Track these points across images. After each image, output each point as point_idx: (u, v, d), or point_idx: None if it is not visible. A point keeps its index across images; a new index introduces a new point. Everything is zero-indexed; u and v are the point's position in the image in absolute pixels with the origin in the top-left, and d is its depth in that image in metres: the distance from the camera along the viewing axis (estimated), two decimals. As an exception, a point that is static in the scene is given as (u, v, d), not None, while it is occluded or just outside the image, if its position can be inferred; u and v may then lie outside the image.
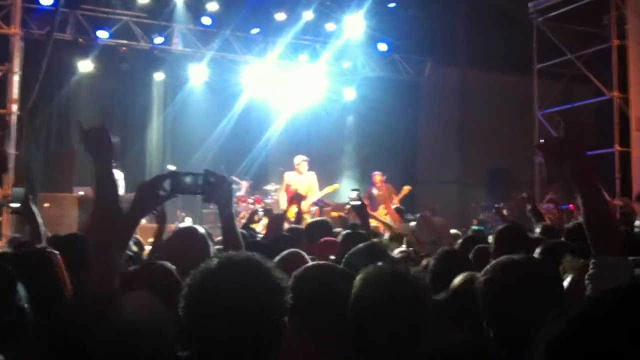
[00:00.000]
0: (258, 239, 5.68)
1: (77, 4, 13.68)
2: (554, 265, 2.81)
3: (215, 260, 1.80)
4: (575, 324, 0.86)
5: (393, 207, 9.50)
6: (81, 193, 12.81)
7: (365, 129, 16.66)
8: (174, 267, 2.68)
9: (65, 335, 2.08)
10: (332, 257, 3.91)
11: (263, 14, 15.21)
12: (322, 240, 4.73)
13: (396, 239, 6.19)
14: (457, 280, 2.81)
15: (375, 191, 13.10)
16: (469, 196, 16.15)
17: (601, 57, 14.15)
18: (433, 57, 17.19)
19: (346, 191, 15.38)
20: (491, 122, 16.90)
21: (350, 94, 16.71)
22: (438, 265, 3.69)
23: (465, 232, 8.22)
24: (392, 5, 15.83)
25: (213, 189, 2.67)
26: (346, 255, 3.37)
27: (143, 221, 12.00)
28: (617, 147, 13.33)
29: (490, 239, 4.65)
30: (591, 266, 2.22)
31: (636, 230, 6.80)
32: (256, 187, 14.42)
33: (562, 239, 4.66)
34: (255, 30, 15.55)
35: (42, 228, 4.37)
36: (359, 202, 5.17)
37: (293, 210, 7.88)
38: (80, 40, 13.96)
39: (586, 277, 2.22)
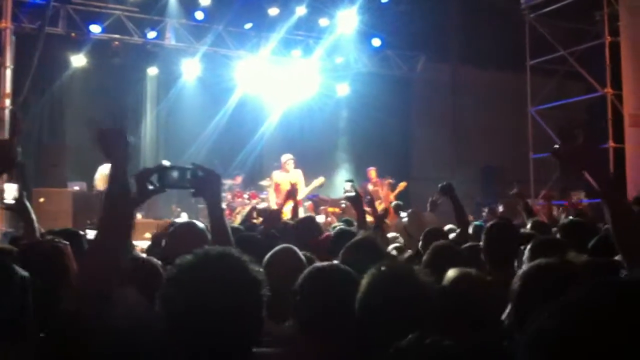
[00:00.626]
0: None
1: (68, -2, 13.62)
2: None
3: (191, 255, 1.79)
4: (568, 321, 0.85)
5: (392, 203, 9.50)
6: (76, 188, 12.78)
7: (358, 124, 16.65)
8: (159, 262, 2.66)
9: (63, 338, 2.08)
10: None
11: (256, 9, 15.17)
12: (323, 237, 4.74)
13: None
14: (450, 276, 2.76)
15: (370, 187, 13.12)
16: (463, 192, 16.16)
17: (594, 53, 14.19)
18: (426, 52, 17.20)
19: (339, 186, 15.44)
20: (484, 118, 16.95)
21: (343, 90, 16.71)
22: (432, 259, 3.70)
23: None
24: (385, 0, 15.82)
25: (202, 183, 2.64)
26: (341, 253, 3.37)
27: (138, 216, 12.00)
28: (611, 144, 13.37)
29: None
30: None
31: None
32: (251, 183, 14.41)
33: (557, 235, 4.69)
34: (248, 26, 15.51)
35: (36, 224, 4.34)
36: (353, 193, 5.13)
37: (289, 206, 7.86)
38: (73, 34, 13.89)
39: None
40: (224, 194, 13.37)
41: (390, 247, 5.45)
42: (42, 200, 10.83)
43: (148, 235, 8.86)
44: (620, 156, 13.18)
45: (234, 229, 5.19)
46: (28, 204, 4.43)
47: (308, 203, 12.26)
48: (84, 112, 14.74)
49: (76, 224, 10.31)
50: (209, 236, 3.06)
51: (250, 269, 1.78)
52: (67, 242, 2.96)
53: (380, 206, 12.18)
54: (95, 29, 13.94)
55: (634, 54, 13.18)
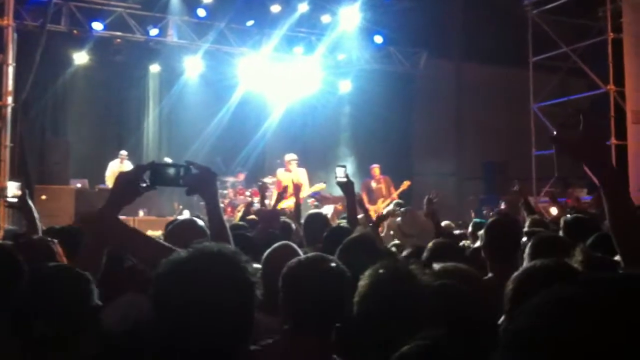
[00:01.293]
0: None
1: (71, -5, 13.63)
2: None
3: (184, 252, 1.77)
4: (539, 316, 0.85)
5: (394, 202, 9.50)
6: (78, 185, 12.81)
7: (360, 121, 16.65)
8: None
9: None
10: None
11: (258, 6, 15.17)
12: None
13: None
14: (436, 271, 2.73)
15: (374, 184, 13.11)
16: (465, 189, 16.19)
17: (597, 50, 14.15)
18: (428, 49, 17.17)
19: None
20: (486, 114, 16.92)
21: (345, 86, 16.70)
22: (431, 257, 3.70)
23: (462, 224, 8.24)
24: (387, -3, 15.82)
25: (195, 180, 2.60)
26: (338, 250, 3.37)
27: (140, 213, 12.03)
28: (614, 141, 13.34)
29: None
30: None
31: None
32: (253, 180, 14.39)
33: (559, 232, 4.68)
34: (250, 23, 15.50)
35: (38, 222, 4.36)
36: (345, 179, 4.98)
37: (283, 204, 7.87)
38: (75, 31, 13.90)
39: None
40: (225, 191, 13.39)
41: (390, 244, 5.46)
42: (43, 197, 10.86)
43: (150, 232, 8.88)
44: (623, 153, 13.15)
45: (234, 226, 5.19)
46: (31, 202, 4.45)
47: (311, 199, 12.28)
48: (87, 109, 14.78)
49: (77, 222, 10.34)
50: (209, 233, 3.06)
51: (244, 267, 1.76)
52: (56, 240, 2.97)
53: (383, 203, 12.21)
54: (97, 26, 13.94)
55: (637, 50, 13.16)
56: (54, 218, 9.17)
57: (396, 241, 5.77)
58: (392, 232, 6.32)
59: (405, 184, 12.84)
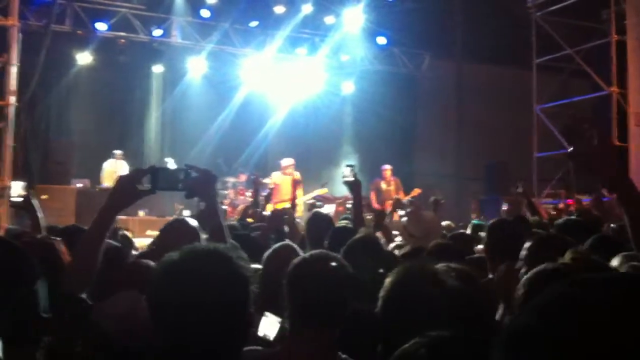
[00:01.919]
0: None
1: (75, -4, 13.67)
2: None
3: (177, 252, 1.78)
4: (537, 315, 0.85)
5: (394, 197, 9.48)
6: (79, 185, 12.84)
7: (363, 122, 16.66)
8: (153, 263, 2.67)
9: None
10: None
11: (262, 7, 15.19)
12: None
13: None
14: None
15: (384, 185, 13.11)
16: (467, 190, 16.18)
17: (600, 52, 14.13)
18: (431, 50, 17.18)
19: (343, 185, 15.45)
20: (489, 116, 16.91)
21: (348, 87, 16.71)
22: (432, 259, 3.70)
23: (463, 226, 8.24)
24: (390, -2, 15.85)
25: (195, 184, 2.61)
26: (342, 251, 3.38)
27: (141, 213, 12.03)
28: (616, 143, 13.31)
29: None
30: None
31: None
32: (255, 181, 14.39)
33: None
34: (254, 23, 15.53)
35: (42, 221, 4.40)
36: (352, 179, 4.91)
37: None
38: (79, 32, 13.94)
39: None
40: (227, 192, 13.41)
41: (392, 245, 5.46)
42: (45, 197, 10.88)
43: (150, 232, 8.91)
44: (624, 155, 13.13)
45: (232, 227, 5.19)
46: (35, 202, 4.48)
47: (311, 201, 12.29)
48: (90, 109, 14.82)
49: (79, 221, 10.36)
50: (202, 234, 3.07)
51: (237, 264, 1.77)
52: (60, 238, 2.98)
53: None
54: (101, 26, 13.98)
55: (641, 52, 13.12)
56: (56, 217, 9.20)
57: (397, 241, 5.76)
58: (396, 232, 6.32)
59: (416, 191, 12.73)
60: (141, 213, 12.26)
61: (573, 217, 6.00)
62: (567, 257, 2.68)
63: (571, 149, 2.26)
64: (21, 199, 4.49)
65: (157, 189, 2.54)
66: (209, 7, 14.89)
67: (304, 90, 15.98)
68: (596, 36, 14.48)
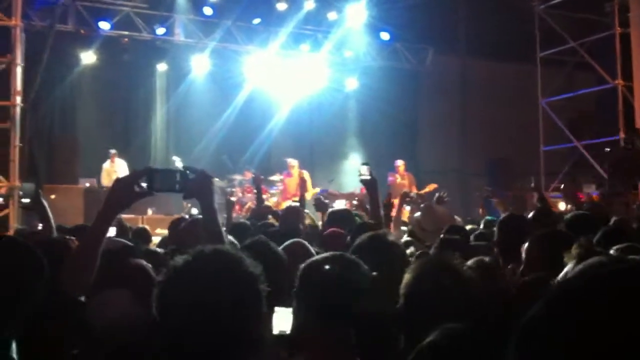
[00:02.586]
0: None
1: (78, -5, 13.68)
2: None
3: (184, 256, 1.79)
4: (551, 306, 0.87)
5: (402, 191, 9.43)
6: (87, 184, 12.87)
7: (367, 118, 16.67)
8: (149, 265, 2.69)
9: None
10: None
11: (264, 4, 15.19)
12: (329, 230, 4.67)
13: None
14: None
15: (398, 179, 13.13)
16: (471, 185, 16.16)
17: (604, 45, 14.10)
18: (434, 45, 17.14)
19: (349, 180, 15.46)
20: (493, 110, 16.90)
21: (352, 83, 16.70)
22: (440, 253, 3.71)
23: (470, 221, 8.24)
24: (393, -6, 15.83)
25: (192, 185, 2.60)
26: (351, 249, 3.37)
27: (149, 212, 12.05)
28: (622, 135, 13.29)
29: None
30: None
31: None
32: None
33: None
34: (256, 21, 15.52)
35: (52, 222, 4.42)
36: (369, 177, 4.87)
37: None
38: (82, 31, 13.96)
39: None
40: (234, 189, 13.44)
41: (402, 240, 5.45)
42: (53, 197, 10.91)
43: (159, 230, 8.92)
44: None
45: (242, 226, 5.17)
46: (45, 203, 4.50)
47: (317, 196, 12.31)
48: (94, 108, 14.84)
49: (88, 220, 10.39)
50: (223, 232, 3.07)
51: (246, 263, 1.78)
52: (73, 237, 2.99)
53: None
54: (104, 25, 13.99)
55: (645, 45, 13.10)
56: (64, 217, 9.21)
57: (405, 238, 5.76)
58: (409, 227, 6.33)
59: (432, 186, 12.55)
60: (149, 211, 12.29)
61: (580, 211, 5.98)
62: (574, 251, 2.71)
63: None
64: (30, 201, 4.51)
65: (154, 191, 2.54)
66: (211, 5, 14.89)
67: (308, 86, 15.97)
68: (600, 29, 14.45)
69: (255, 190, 13.40)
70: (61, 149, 13.51)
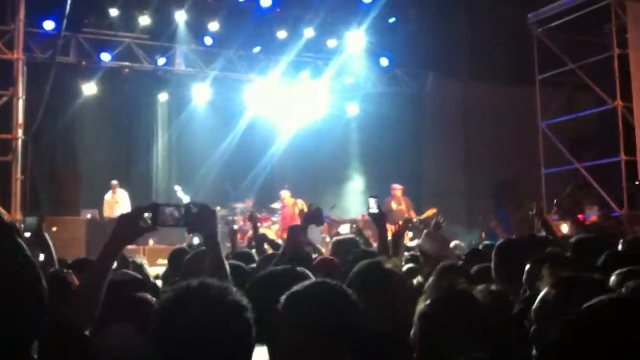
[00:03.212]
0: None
1: (79, 27, 13.79)
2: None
3: (172, 290, 1.83)
4: (572, 329, 0.89)
5: (405, 216, 9.41)
6: (89, 216, 12.86)
7: (369, 144, 16.69)
8: (154, 299, 2.70)
9: None
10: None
11: (264, 33, 15.32)
12: (320, 258, 4.66)
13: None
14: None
15: (394, 205, 12.99)
16: (475, 208, 16.13)
17: (603, 66, 14.14)
18: (434, 69, 17.23)
19: (351, 206, 15.45)
20: (495, 133, 16.90)
21: (353, 109, 16.76)
22: (439, 280, 3.69)
23: (474, 244, 8.21)
24: (392, 20, 15.93)
25: (196, 220, 2.65)
26: (349, 277, 3.34)
27: (150, 242, 12.01)
28: (623, 156, 13.28)
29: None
30: None
31: None
32: (262, 205, 14.37)
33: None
34: (257, 49, 15.65)
35: (54, 255, 4.45)
36: (377, 211, 4.90)
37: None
38: (84, 63, 14.08)
39: None
40: (236, 217, 13.42)
41: (405, 267, 5.42)
42: (54, 229, 10.88)
43: (161, 261, 8.90)
44: (632, 169, 13.10)
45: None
46: (47, 236, 4.53)
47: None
48: (96, 139, 14.90)
49: (90, 251, 10.37)
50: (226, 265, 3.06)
51: (232, 293, 1.81)
52: (71, 271, 3.00)
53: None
54: (105, 57, 14.11)
55: (643, 65, 13.14)
56: (66, 249, 9.20)
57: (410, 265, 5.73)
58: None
59: (431, 210, 12.13)
60: (150, 242, 12.26)
61: (585, 235, 5.94)
62: (544, 272, 2.77)
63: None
64: (32, 234, 4.53)
65: (159, 225, 2.58)
66: (212, 34, 15.01)
67: (309, 113, 16.01)
68: (598, 50, 14.50)
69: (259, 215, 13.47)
70: (63, 180, 13.52)
